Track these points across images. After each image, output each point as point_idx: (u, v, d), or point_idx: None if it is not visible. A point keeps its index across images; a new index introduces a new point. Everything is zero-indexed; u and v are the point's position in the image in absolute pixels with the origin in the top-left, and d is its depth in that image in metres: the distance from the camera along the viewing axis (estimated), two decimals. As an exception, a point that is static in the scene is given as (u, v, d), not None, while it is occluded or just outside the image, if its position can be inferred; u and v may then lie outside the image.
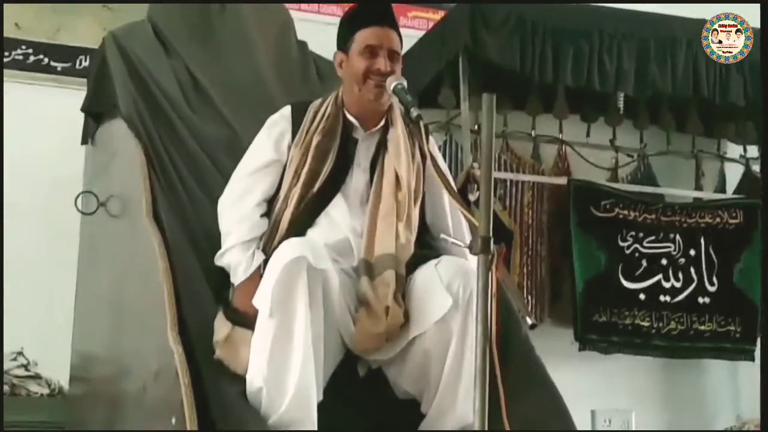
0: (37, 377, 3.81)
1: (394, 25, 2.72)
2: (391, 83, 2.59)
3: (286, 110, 2.78)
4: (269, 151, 2.72)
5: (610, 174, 4.94)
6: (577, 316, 4.44)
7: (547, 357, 2.80)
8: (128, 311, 2.94)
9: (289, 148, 2.70)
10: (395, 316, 2.46)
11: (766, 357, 3.26)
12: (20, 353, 3.85)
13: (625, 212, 4.60)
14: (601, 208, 4.57)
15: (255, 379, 2.37)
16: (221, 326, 2.49)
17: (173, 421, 2.27)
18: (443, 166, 2.72)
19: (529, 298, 4.60)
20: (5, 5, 4.28)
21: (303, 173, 2.64)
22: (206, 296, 2.62)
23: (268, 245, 2.61)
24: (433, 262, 2.57)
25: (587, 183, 4.64)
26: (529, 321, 2.57)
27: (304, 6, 4.84)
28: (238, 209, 2.66)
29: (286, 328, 2.33)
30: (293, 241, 2.46)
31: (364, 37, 2.66)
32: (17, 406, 3.68)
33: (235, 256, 2.60)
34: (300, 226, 2.61)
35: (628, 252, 4.57)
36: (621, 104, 4.80)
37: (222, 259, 2.64)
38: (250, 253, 2.60)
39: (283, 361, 2.33)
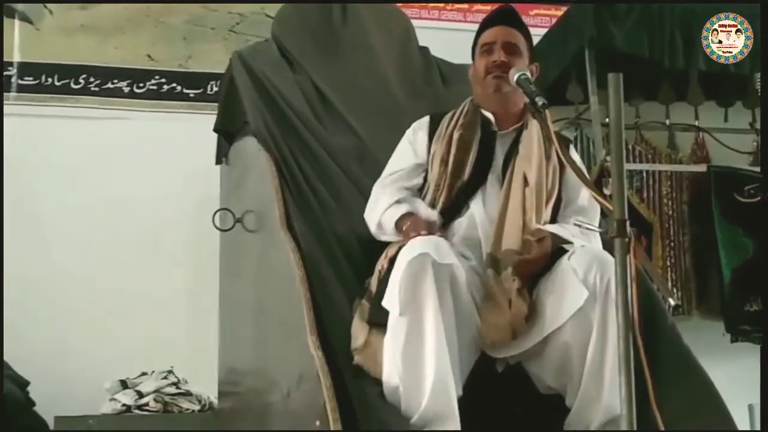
0: (187, 394, 3.90)
1: (514, 23, 2.82)
2: (514, 74, 2.59)
3: (426, 118, 2.89)
4: (407, 154, 2.83)
5: (752, 158, 4.74)
6: (727, 307, 4.28)
7: (697, 351, 2.70)
8: (269, 322, 2.99)
9: (428, 150, 2.78)
10: (518, 308, 2.43)
11: (766, 355, 3.10)
12: (170, 372, 3.95)
13: (771, 196, 4.42)
14: (745, 193, 4.41)
15: (391, 377, 2.37)
16: (359, 333, 2.50)
17: (317, 423, 2.29)
18: (577, 159, 2.74)
19: (674, 291, 4.45)
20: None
21: (450, 162, 2.70)
22: (342, 302, 2.63)
23: None
24: (564, 256, 2.52)
25: (729, 169, 4.49)
26: (672, 302, 2.48)
27: (424, 13, 4.84)
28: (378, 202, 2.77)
29: (417, 324, 2.33)
30: (416, 240, 2.45)
31: (482, 39, 2.81)
32: (171, 424, 3.78)
33: (387, 214, 2.70)
34: (452, 213, 2.66)
35: (777, 237, 4.38)
36: (758, 85, 4.62)
37: (383, 229, 2.72)
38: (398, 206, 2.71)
39: (417, 358, 2.32)
